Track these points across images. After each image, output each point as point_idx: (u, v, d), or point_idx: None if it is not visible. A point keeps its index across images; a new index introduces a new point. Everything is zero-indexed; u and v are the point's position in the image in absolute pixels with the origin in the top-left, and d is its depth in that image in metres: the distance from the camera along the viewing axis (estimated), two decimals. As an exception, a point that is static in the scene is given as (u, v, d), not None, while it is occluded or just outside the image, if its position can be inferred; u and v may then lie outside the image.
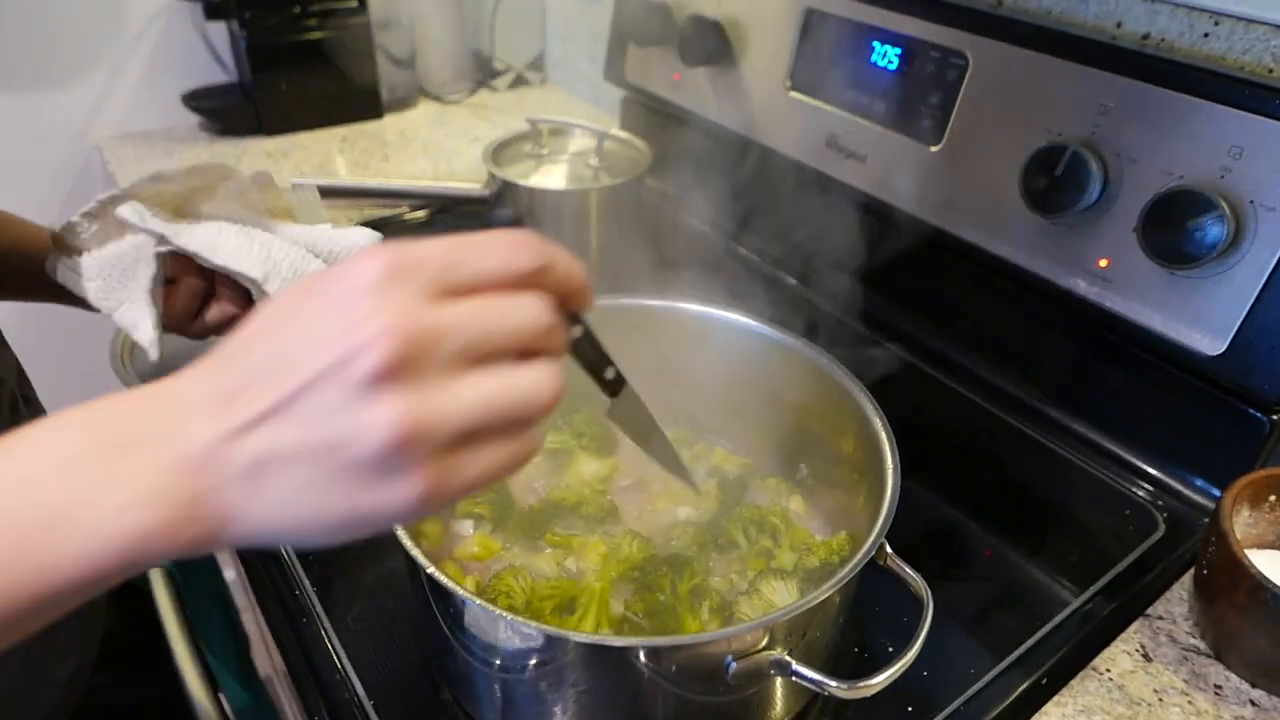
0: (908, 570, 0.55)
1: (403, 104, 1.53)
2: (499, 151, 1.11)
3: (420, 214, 1.20)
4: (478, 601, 0.47)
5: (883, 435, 0.61)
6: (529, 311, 0.35)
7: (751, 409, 0.75)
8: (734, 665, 0.48)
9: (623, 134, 1.13)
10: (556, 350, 0.36)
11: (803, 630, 0.51)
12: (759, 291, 1.00)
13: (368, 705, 0.59)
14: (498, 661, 0.52)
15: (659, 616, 0.59)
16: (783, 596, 0.60)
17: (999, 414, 0.89)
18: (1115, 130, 0.74)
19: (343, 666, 0.61)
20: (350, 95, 1.45)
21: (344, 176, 1.25)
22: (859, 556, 0.51)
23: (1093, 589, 0.70)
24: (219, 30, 1.44)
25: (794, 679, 0.48)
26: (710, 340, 0.74)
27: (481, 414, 0.33)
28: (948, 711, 0.60)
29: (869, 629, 0.66)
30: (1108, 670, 0.64)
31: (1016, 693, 0.62)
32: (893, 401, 0.82)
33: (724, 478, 0.72)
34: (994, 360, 0.92)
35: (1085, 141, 0.75)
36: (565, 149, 1.12)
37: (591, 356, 0.44)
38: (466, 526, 0.67)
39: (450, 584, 0.48)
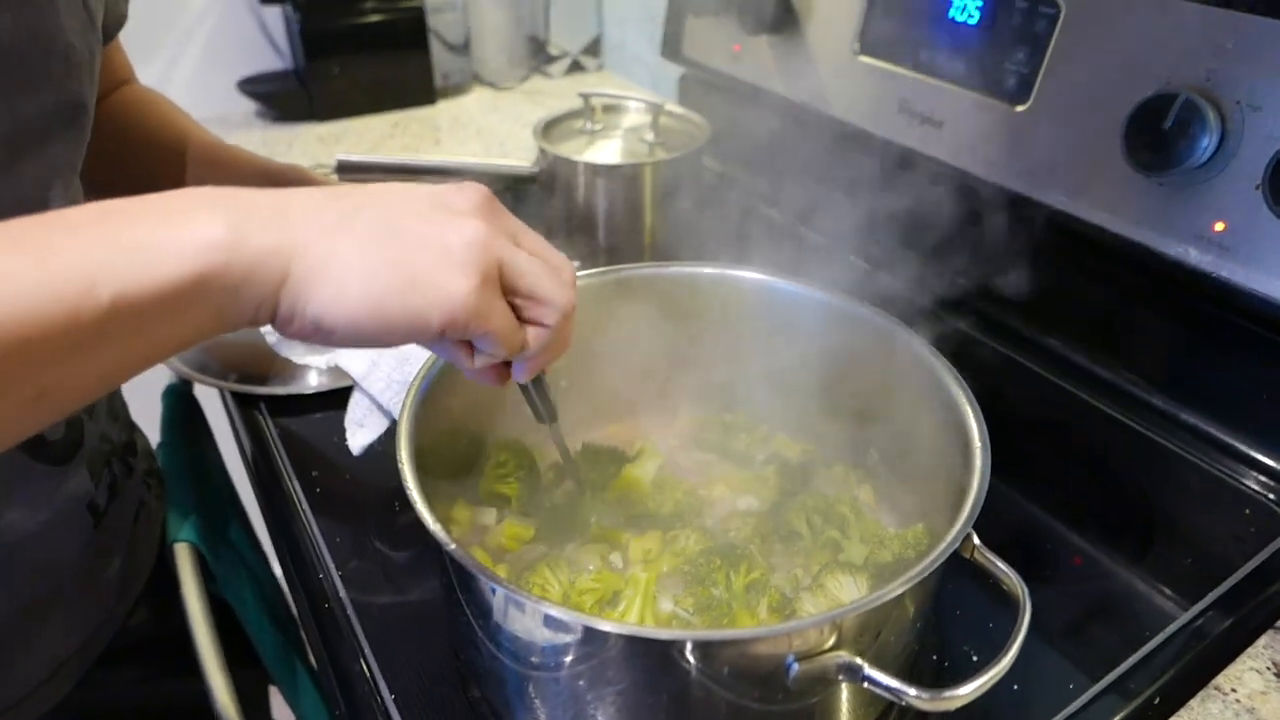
0: (999, 564, 0.47)
1: (457, 90, 1.50)
2: (550, 128, 1.06)
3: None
4: (503, 584, 0.42)
5: (967, 409, 0.53)
6: (566, 279, 0.45)
7: (814, 389, 0.68)
8: (796, 667, 0.41)
9: (679, 109, 1.07)
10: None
11: (876, 630, 0.44)
12: (824, 274, 0.93)
13: (389, 701, 0.54)
14: (526, 655, 0.46)
15: (711, 613, 0.53)
16: (850, 592, 0.53)
17: (1092, 402, 0.80)
18: (1234, 74, 0.65)
19: (365, 657, 0.57)
20: (404, 81, 1.42)
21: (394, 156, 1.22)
22: (945, 544, 0.44)
23: (1207, 600, 0.61)
24: (275, 16, 1.43)
25: (866, 685, 0.41)
26: (767, 312, 0.67)
27: (529, 267, 0.42)
28: (1044, 731, 0.52)
29: (949, 634, 0.59)
30: (1233, 690, 0.55)
31: (1125, 711, 0.53)
32: (972, 390, 0.74)
33: (784, 463, 0.65)
34: (1087, 343, 0.83)
35: (1199, 89, 0.66)
36: (619, 125, 1.07)
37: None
38: (490, 515, 0.62)
39: (471, 562, 0.42)
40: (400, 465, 0.48)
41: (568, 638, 0.43)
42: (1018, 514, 0.71)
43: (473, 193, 0.41)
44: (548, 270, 0.43)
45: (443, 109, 1.45)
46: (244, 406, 0.79)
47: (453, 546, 0.42)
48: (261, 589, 0.81)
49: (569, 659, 0.45)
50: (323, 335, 0.38)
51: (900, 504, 0.63)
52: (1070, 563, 0.68)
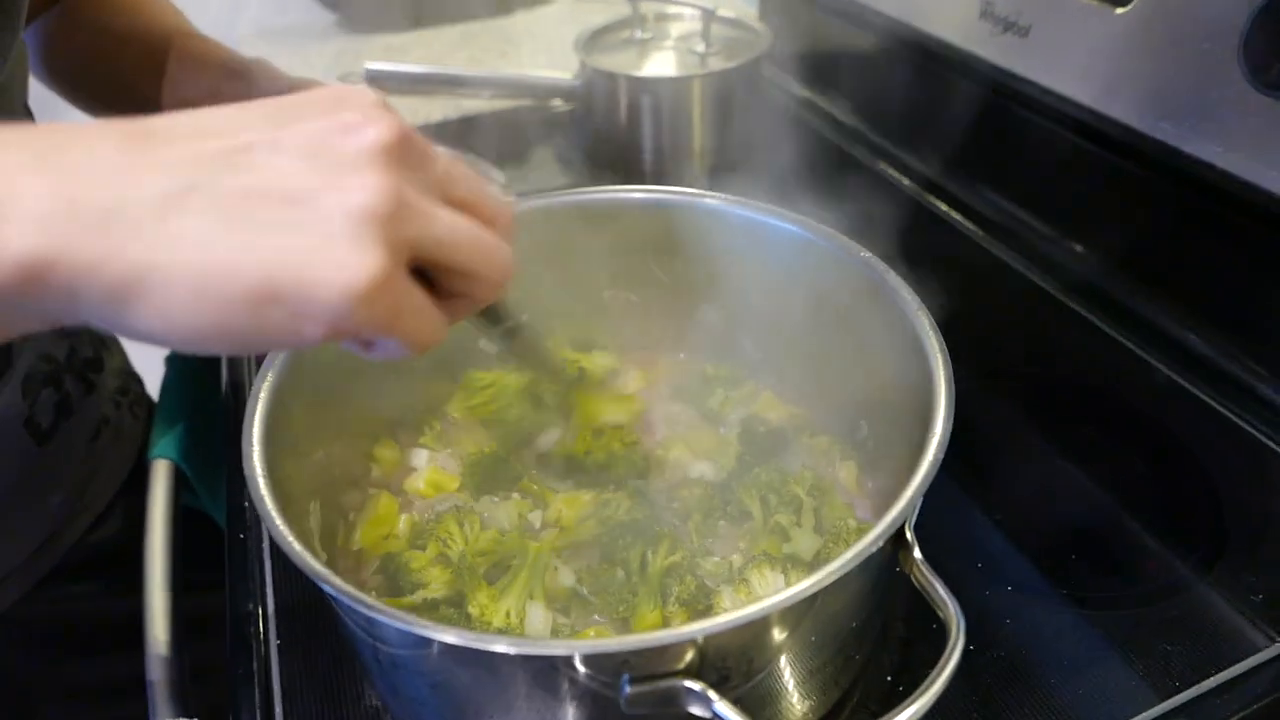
0: (938, 588, 0.37)
1: None
2: (596, 39, 0.96)
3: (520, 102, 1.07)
4: (306, 559, 0.36)
5: (941, 379, 0.42)
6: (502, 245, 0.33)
7: (811, 345, 0.57)
8: (629, 690, 0.33)
9: (732, 13, 0.95)
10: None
11: (747, 655, 0.35)
12: (882, 208, 0.81)
13: (274, 646, 0.50)
14: (373, 634, 0.41)
15: (609, 597, 0.46)
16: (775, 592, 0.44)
17: (1189, 387, 0.64)
18: None
19: (264, 599, 0.53)
20: (482, -11, 1.36)
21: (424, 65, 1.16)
22: (846, 557, 0.34)
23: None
24: (356, -78, 1.39)
25: (715, 721, 0.33)
26: (767, 252, 0.57)
27: (454, 238, 0.30)
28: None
29: (915, 646, 0.49)
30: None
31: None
32: (1055, 363, 0.62)
33: (750, 428, 0.56)
34: (1189, 313, 0.67)
35: (1355, -22, 0.49)
36: (670, 34, 0.96)
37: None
38: (421, 456, 0.56)
39: (283, 533, 0.37)
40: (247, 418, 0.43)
41: (393, 626, 0.37)
42: (1089, 508, 0.59)
43: (371, 119, 0.29)
44: (478, 237, 0.31)
45: (519, 20, 1.38)
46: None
47: (274, 520, 0.37)
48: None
49: (403, 645, 0.39)
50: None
51: (884, 487, 0.53)
52: (1145, 568, 0.56)
